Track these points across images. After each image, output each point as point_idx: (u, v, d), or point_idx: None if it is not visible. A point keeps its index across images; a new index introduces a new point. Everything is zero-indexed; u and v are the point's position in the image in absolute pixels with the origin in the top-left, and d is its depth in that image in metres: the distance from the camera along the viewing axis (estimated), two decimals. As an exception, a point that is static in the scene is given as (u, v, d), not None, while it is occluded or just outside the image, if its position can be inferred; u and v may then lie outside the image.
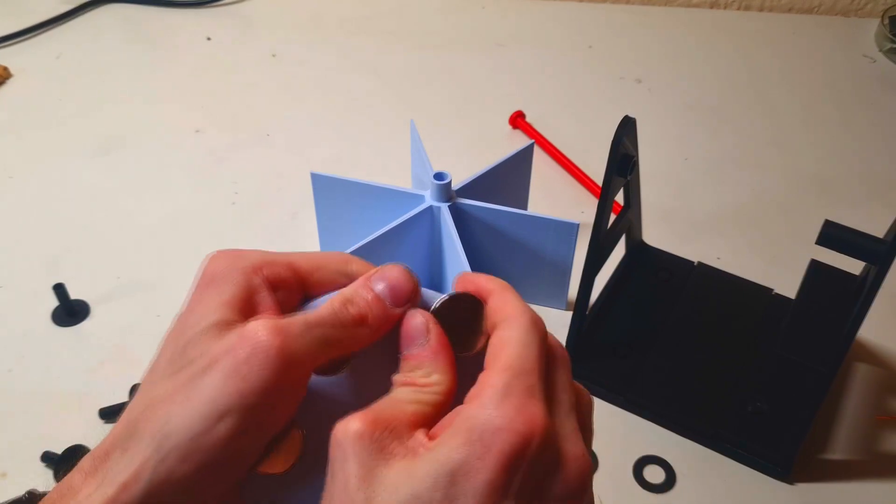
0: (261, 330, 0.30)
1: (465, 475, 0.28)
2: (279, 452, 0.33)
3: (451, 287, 0.36)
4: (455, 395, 0.32)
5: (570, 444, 0.30)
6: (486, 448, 0.28)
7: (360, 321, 0.33)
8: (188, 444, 0.30)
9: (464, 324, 0.34)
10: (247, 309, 0.33)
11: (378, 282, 0.34)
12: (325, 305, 0.33)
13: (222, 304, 0.32)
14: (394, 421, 0.30)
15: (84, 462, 0.31)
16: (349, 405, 0.33)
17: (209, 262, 0.34)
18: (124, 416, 0.32)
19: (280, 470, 0.33)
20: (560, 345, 0.34)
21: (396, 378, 0.33)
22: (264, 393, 0.30)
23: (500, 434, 0.28)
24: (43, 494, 0.30)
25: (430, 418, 0.31)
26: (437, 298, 0.35)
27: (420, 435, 0.30)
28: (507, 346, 0.31)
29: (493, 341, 0.32)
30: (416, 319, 0.34)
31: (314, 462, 0.33)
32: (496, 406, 0.29)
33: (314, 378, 0.34)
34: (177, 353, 0.32)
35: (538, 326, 0.32)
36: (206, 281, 0.33)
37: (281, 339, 0.30)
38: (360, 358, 0.35)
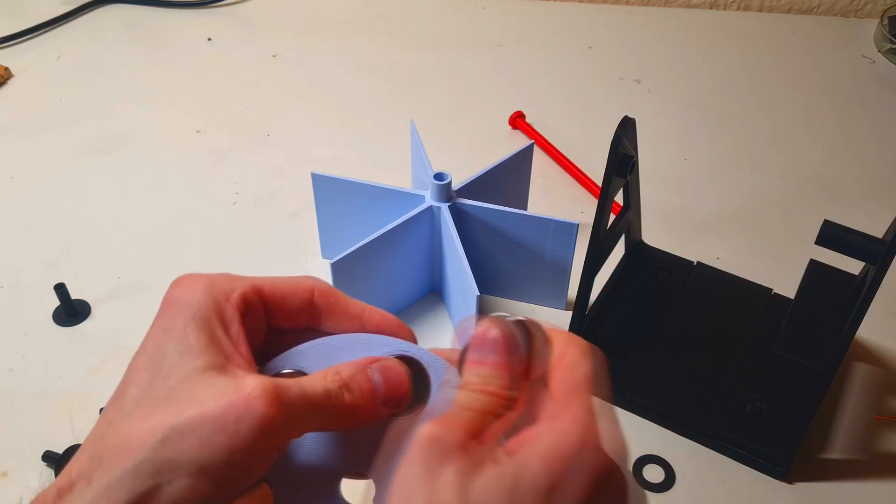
0: (260, 394, 0.30)
1: (561, 490, 0.29)
2: None
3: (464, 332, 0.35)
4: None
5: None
6: (579, 467, 0.29)
7: (352, 412, 0.33)
8: (162, 488, 0.30)
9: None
10: (224, 343, 0.33)
11: (377, 374, 0.34)
12: (319, 380, 0.33)
13: (204, 342, 0.32)
14: (482, 430, 0.30)
15: (47, 493, 0.31)
16: (319, 464, 0.34)
17: (178, 289, 0.34)
18: (90, 445, 0.31)
19: None
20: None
21: (469, 382, 0.32)
22: (247, 454, 0.30)
23: (592, 454, 0.29)
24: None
25: (507, 428, 0.32)
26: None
27: (502, 448, 0.30)
28: (576, 369, 0.32)
29: (565, 363, 0.32)
30: (495, 329, 0.33)
31: None
32: (588, 427, 0.30)
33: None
34: (156, 389, 0.32)
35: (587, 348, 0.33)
36: (178, 310, 0.33)
37: (276, 410, 0.30)
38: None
